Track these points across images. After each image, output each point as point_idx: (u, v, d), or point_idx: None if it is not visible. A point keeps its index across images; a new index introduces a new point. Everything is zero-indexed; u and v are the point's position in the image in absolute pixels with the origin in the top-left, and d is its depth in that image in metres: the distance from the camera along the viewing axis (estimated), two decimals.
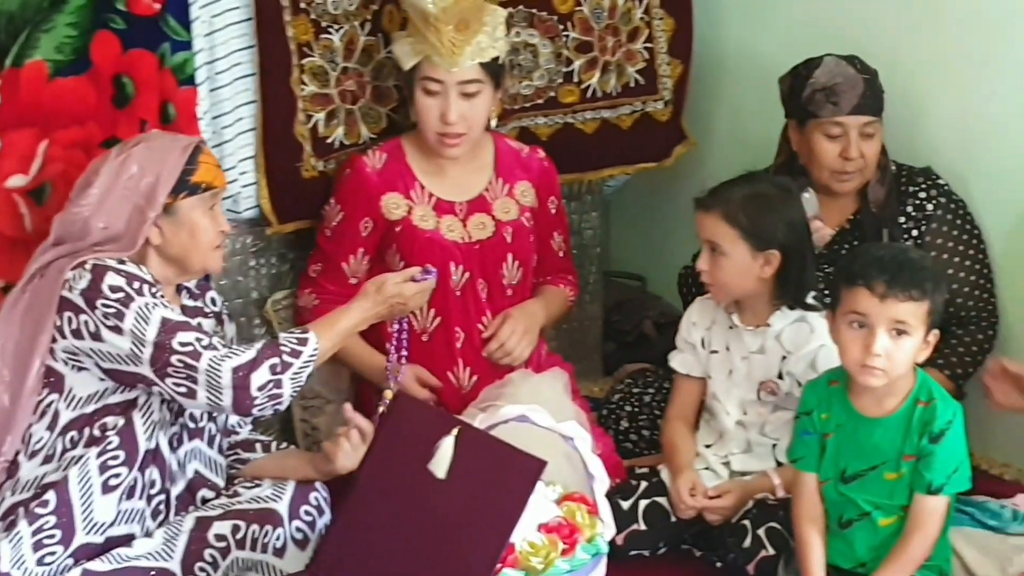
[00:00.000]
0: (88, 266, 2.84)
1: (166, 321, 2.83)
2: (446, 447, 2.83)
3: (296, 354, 2.89)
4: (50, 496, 2.83)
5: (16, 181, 3.22)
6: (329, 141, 3.68)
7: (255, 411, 2.89)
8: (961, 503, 3.00)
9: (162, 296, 2.89)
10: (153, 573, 2.90)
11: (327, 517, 3.13)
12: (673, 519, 3.27)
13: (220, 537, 3.00)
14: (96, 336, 2.82)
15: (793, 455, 3.01)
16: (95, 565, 2.89)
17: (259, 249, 3.74)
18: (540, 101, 3.95)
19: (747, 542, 3.12)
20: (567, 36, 3.95)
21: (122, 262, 2.87)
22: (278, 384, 2.86)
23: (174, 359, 2.81)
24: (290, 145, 3.61)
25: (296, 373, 2.88)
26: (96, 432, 2.90)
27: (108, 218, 2.91)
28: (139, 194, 2.90)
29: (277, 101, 3.57)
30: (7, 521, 2.87)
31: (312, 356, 2.92)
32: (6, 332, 2.91)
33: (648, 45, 4.10)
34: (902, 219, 3.58)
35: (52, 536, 2.83)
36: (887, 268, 2.80)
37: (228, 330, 3.22)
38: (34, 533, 2.83)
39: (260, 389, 2.84)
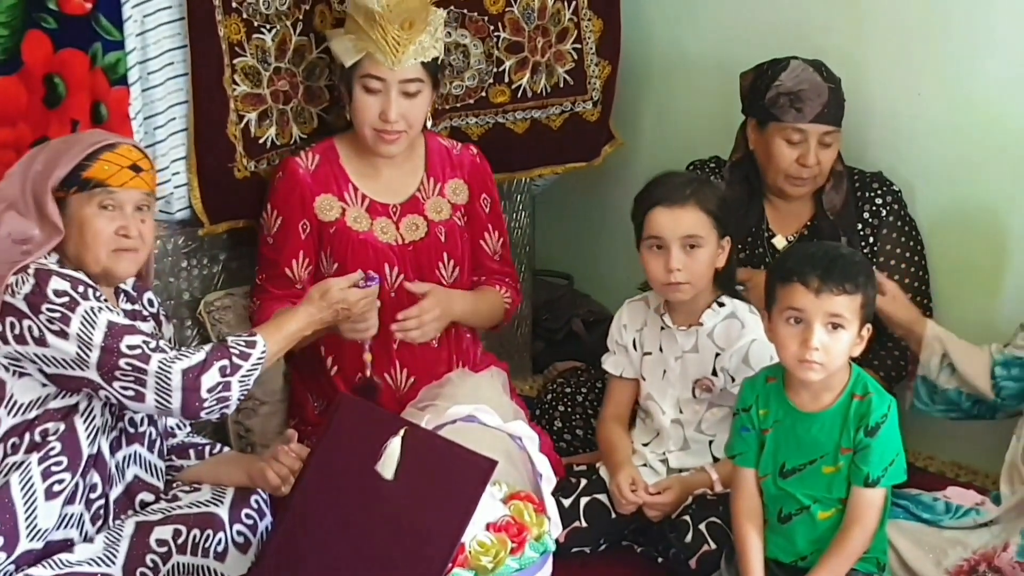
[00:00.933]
0: (31, 270, 2.82)
1: (112, 324, 2.82)
2: (393, 448, 2.83)
3: (245, 356, 2.90)
4: None
5: None
6: (261, 141, 3.67)
7: (203, 414, 2.88)
8: (896, 496, 3.04)
9: (105, 300, 2.88)
10: None
11: (268, 520, 3.13)
12: (613, 516, 3.30)
13: (161, 542, 2.99)
14: (40, 341, 2.80)
15: (732, 451, 3.04)
16: (37, 571, 2.87)
17: (191, 250, 3.71)
18: (471, 101, 3.97)
19: (688, 537, 3.15)
20: (498, 36, 3.97)
21: (62, 265, 2.86)
22: (227, 387, 2.86)
23: (122, 362, 2.80)
24: (222, 145, 3.60)
25: (245, 375, 2.89)
26: (37, 438, 2.87)
27: (18, 210, 2.92)
28: (39, 186, 2.90)
29: (209, 101, 3.55)
30: None
31: (260, 358, 2.93)
32: None
33: (577, 46, 4.12)
34: (859, 225, 3.63)
35: None
36: (820, 264, 2.84)
37: (166, 331, 3.20)
38: None
39: (210, 391, 2.84)
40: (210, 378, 2.84)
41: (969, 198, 3.67)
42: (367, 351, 3.46)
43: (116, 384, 2.83)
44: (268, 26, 3.61)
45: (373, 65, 3.44)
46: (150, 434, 3.10)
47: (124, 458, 3.05)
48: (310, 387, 3.72)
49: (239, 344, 2.92)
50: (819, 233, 3.63)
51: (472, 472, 2.75)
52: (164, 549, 2.99)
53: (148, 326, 3.09)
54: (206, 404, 2.86)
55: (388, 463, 2.84)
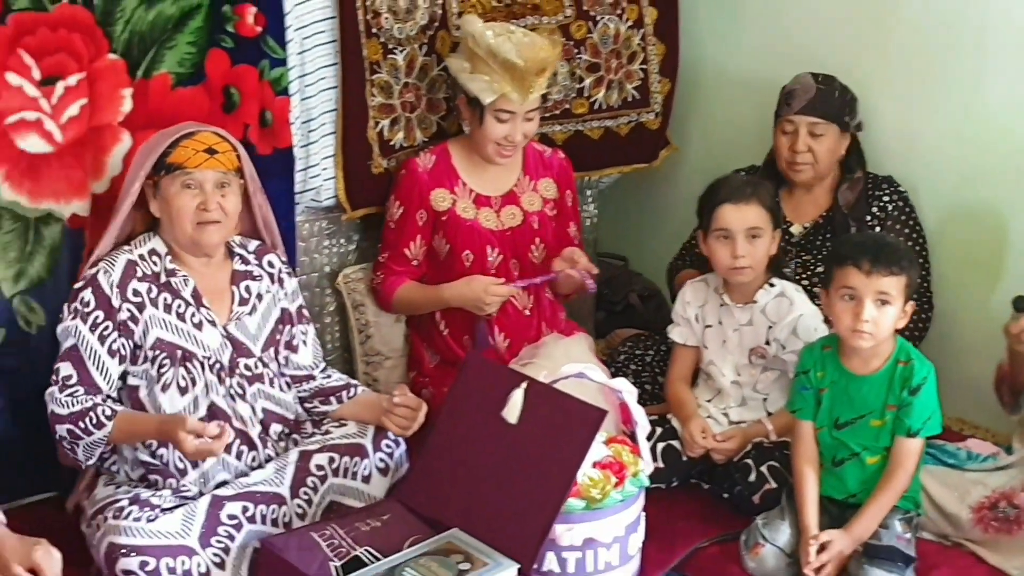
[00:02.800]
0: (92, 271, 2.93)
1: (73, 349, 2.89)
2: (517, 398, 2.88)
3: (90, 432, 2.86)
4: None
5: None
6: (392, 143, 3.68)
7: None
8: (928, 447, 3.04)
9: (108, 329, 2.90)
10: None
11: (403, 448, 3.15)
12: (684, 458, 3.29)
13: (319, 467, 3.02)
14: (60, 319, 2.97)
15: (793, 407, 3.04)
16: (222, 491, 2.91)
17: (332, 231, 3.74)
18: (557, 112, 3.97)
19: (752, 477, 3.15)
20: (580, 58, 3.97)
21: (107, 276, 2.91)
22: (73, 449, 2.90)
23: (53, 376, 2.91)
24: (362, 146, 3.62)
25: (86, 447, 2.89)
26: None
27: (126, 190, 2.97)
28: (131, 173, 2.97)
29: (353, 110, 3.57)
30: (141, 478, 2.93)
31: (101, 438, 2.87)
32: None
33: (643, 66, 4.12)
34: (868, 218, 3.60)
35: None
36: (870, 249, 2.86)
37: (289, 285, 3.17)
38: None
39: (60, 438, 2.88)
40: (62, 428, 2.87)
41: (974, 201, 3.63)
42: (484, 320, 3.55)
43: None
44: (400, 48, 3.62)
45: (506, 102, 3.45)
46: (266, 376, 3.09)
47: (251, 397, 3.05)
48: (426, 344, 3.74)
49: (93, 424, 2.85)
50: (833, 224, 3.62)
51: (586, 419, 2.79)
52: (321, 473, 3.02)
53: (257, 284, 3.10)
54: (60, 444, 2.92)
55: (512, 410, 2.88)
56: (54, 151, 3.07)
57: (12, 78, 2.96)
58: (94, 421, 2.84)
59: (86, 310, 2.89)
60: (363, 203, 3.68)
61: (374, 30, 3.54)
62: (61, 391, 2.87)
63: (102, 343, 2.89)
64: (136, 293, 2.92)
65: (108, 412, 2.85)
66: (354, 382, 3.26)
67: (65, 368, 2.89)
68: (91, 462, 2.94)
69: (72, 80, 3.05)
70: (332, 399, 3.22)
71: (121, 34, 3.11)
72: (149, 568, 2.74)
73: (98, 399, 2.88)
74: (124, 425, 2.86)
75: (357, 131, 3.59)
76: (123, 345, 2.92)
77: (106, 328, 2.89)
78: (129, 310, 2.91)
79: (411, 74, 3.66)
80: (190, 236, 2.94)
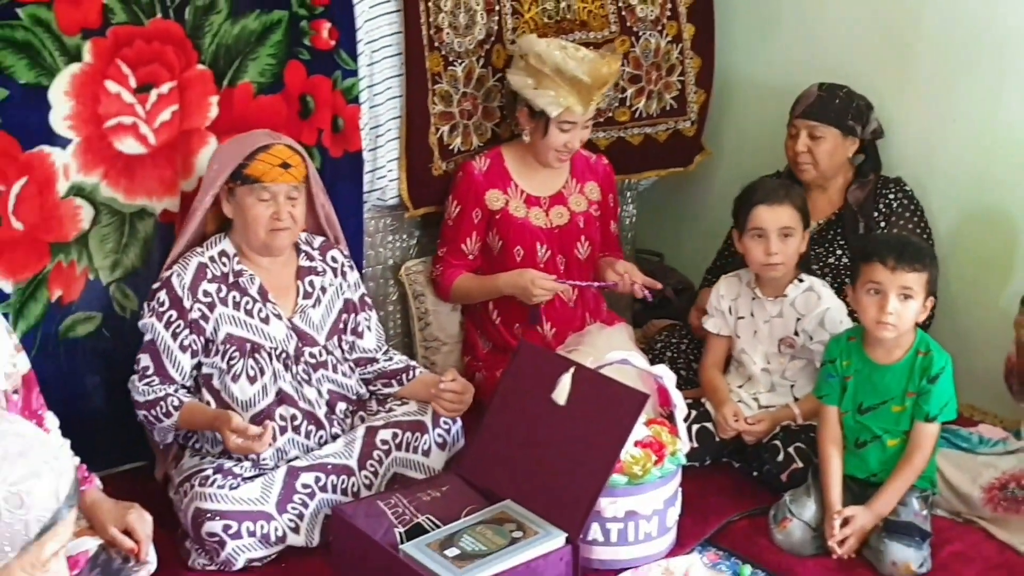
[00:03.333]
0: (167, 273, 3.00)
1: (151, 344, 2.98)
2: (565, 381, 2.91)
3: (160, 420, 2.98)
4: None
5: None
6: (451, 148, 3.72)
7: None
8: (942, 432, 3.04)
9: (180, 327, 2.98)
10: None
11: (459, 425, 3.20)
12: (717, 439, 3.31)
13: (384, 442, 3.08)
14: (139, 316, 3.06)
15: (819, 392, 3.06)
16: (297, 463, 2.98)
17: (395, 228, 3.78)
18: (601, 120, 3.97)
19: (780, 457, 3.16)
20: (624, 70, 3.98)
21: (180, 279, 2.99)
22: (150, 432, 3.06)
23: (135, 365, 3.02)
24: (424, 150, 3.66)
25: (159, 431, 3.02)
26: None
27: (202, 196, 3.02)
28: (207, 180, 3.00)
29: (416, 117, 3.61)
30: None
31: (169, 426, 3.00)
32: None
33: (681, 78, 4.14)
34: (875, 214, 3.60)
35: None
36: (895, 248, 2.88)
37: (351, 277, 3.21)
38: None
39: (140, 422, 3.02)
40: (140, 414, 3.00)
41: (988, 205, 3.63)
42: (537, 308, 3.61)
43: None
44: (459, 61, 3.66)
45: (569, 114, 3.48)
46: (331, 363, 3.14)
47: (316, 382, 3.10)
48: (479, 332, 3.79)
49: (163, 413, 2.97)
50: (843, 220, 3.61)
51: (630, 402, 2.81)
52: (386, 447, 3.09)
53: (320, 279, 3.14)
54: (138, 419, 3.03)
55: (561, 393, 2.91)
56: (148, 152, 3.12)
57: (111, 85, 3.02)
58: (164, 410, 2.95)
59: (161, 309, 2.97)
60: (424, 202, 3.72)
61: (436, 44, 3.58)
62: (140, 380, 2.98)
63: (175, 339, 2.97)
64: (206, 294, 2.99)
65: (176, 403, 2.95)
66: (413, 364, 3.31)
67: (144, 360, 2.99)
68: (167, 442, 3.04)
69: (164, 88, 3.11)
70: (393, 382, 3.28)
71: (209, 46, 3.16)
72: (231, 531, 2.82)
73: (170, 390, 2.97)
74: (187, 415, 2.96)
75: (419, 136, 3.64)
76: (194, 341, 2.99)
77: (179, 326, 2.97)
78: (200, 309, 2.98)
79: (469, 84, 3.69)
80: (263, 241, 3.01)
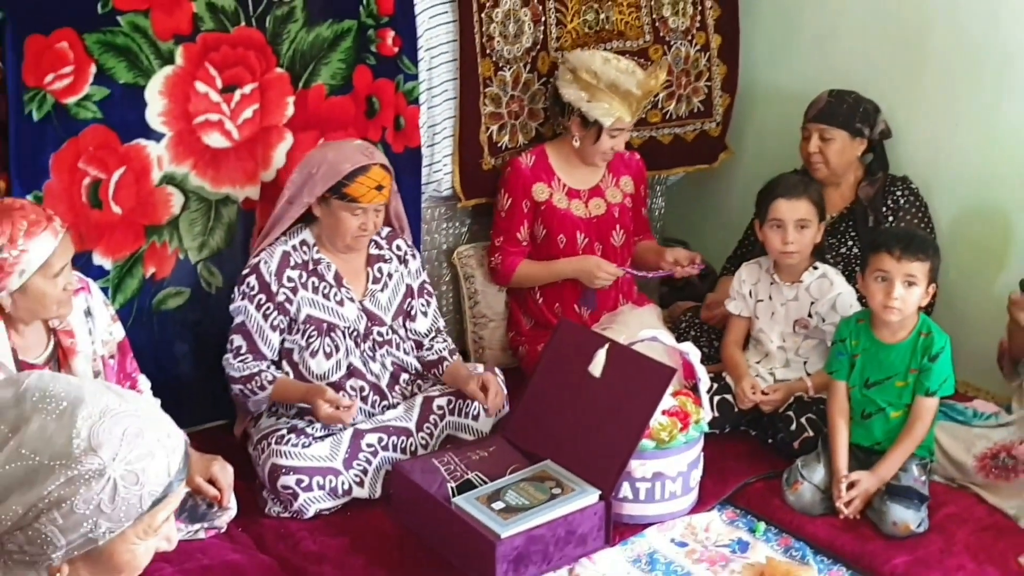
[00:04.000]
0: (254, 260, 3.04)
1: (243, 325, 3.04)
2: (600, 356, 2.96)
3: (255, 392, 3.04)
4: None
5: None
6: (499, 145, 3.76)
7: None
8: (940, 406, 3.06)
9: (270, 309, 3.04)
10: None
11: (505, 393, 3.24)
12: (736, 410, 3.32)
13: (439, 407, 3.15)
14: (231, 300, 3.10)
15: (829, 369, 3.09)
16: (362, 425, 3.05)
17: (449, 216, 3.84)
18: (635, 120, 3.96)
19: (793, 426, 3.19)
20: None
21: (266, 266, 3.03)
22: (244, 404, 3.10)
23: (228, 344, 3.07)
24: (475, 147, 3.70)
25: (252, 401, 3.06)
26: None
27: (291, 194, 3.04)
28: (307, 183, 3.01)
29: (469, 117, 3.65)
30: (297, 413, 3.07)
31: (263, 398, 3.04)
32: None
33: (708, 84, 4.16)
34: (884, 209, 3.61)
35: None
36: (901, 240, 2.92)
37: (413, 264, 3.25)
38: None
39: (234, 395, 3.08)
40: (235, 388, 3.06)
41: (986, 202, 3.64)
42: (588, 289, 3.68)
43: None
44: (508, 66, 3.70)
45: (620, 122, 3.54)
46: (395, 341, 3.20)
47: (380, 359, 3.17)
48: (523, 309, 3.82)
49: (258, 387, 3.03)
50: (855, 214, 3.59)
51: (659, 375, 2.87)
52: (440, 412, 3.16)
53: (387, 266, 3.18)
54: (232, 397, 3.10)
55: (596, 366, 2.96)
56: (231, 146, 3.19)
57: (200, 86, 3.09)
58: (259, 384, 3.02)
59: (251, 293, 3.03)
60: (475, 194, 3.77)
61: (488, 51, 3.63)
62: (234, 358, 3.04)
63: (265, 319, 3.04)
64: (290, 279, 3.05)
65: (269, 378, 3.02)
66: (445, 357, 3.29)
67: (237, 340, 3.05)
68: (259, 412, 3.11)
69: (247, 89, 3.17)
70: (429, 374, 3.31)
71: (286, 52, 3.22)
72: (303, 485, 2.90)
73: (263, 366, 3.04)
74: (280, 389, 3.03)
75: (471, 134, 3.68)
76: (281, 320, 3.06)
77: (268, 308, 3.04)
78: (284, 293, 3.04)
79: (516, 88, 3.74)
80: (347, 245, 3.07)
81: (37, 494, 1.32)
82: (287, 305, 3.05)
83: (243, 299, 3.04)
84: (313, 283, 3.08)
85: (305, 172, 3.01)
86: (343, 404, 2.91)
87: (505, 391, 3.23)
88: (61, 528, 1.33)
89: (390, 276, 3.21)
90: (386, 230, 3.25)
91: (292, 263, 3.07)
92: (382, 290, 3.18)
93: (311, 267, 3.08)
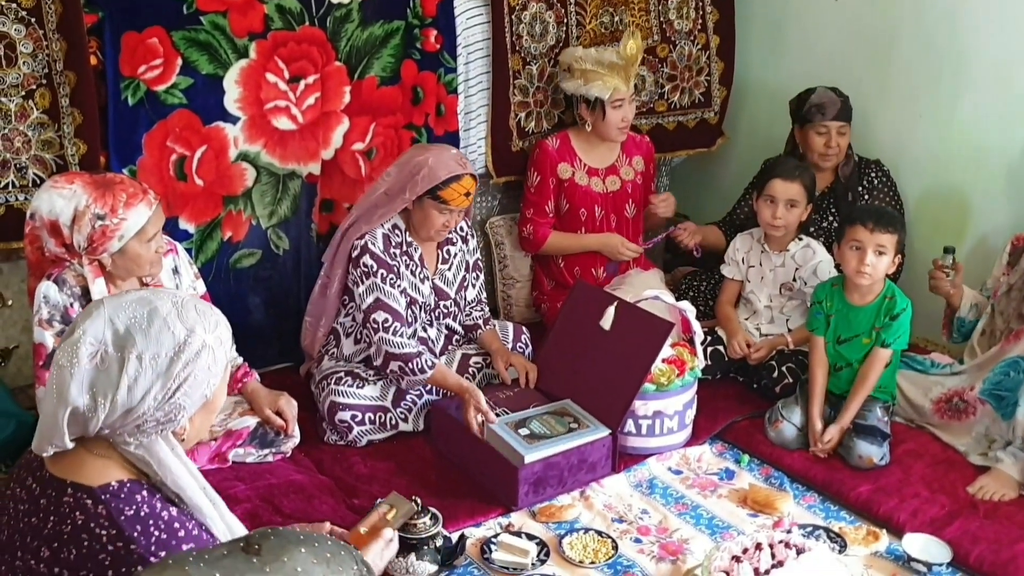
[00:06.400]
0: (361, 241, 2.91)
1: (378, 300, 2.90)
2: (610, 312, 2.96)
3: (415, 373, 2.90)
4: None
5: (358, 146, 3.33)
6: (526, 129, 3.74)
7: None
8: (902, 357, 3.09)
9: (393, 278, 2.92)
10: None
11: (530, 349, 3.26)
12: (726, 359, 3.33)
13: (476, 362, 3.15)
14: (354, 286, 2.96)
15: (810, 327, 3.07)
16: (408, 379, 2.97)
17: (482, 192, 3.81)
18: (644, 110, 4.00)
19: (775, 374, 3.20)
20: (663, 71, 4.01)
21: (375, 245, 2.90)
22: (399, 375, 2.92)
23: (369, 326, 2.92)
24: (505, 131, 3.69)
25: (408, 380, 2.92)
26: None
27: (387, 187, 2.94)
28: (409, 183, 2.90)
29: (500, 105, 3.64)
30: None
31: (419, 381, 2.91)
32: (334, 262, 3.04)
33: (708, 78, 4.13)
34: (860, 189, 3.59)
35: None
36: (873, 215, 2.91)
37: (471, 243, 3.19)
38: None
39: (391, 371, 2.91)
40: (394, 364, 2.90)
41: (945, 183, 3.62)
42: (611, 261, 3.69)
43: (364, 331, 2.98)
44: (534, 61, 3.68)
45: (618, 92, 3.50)
46: (454, 312, 3.17)
47: (439, 326, 3.16)
48: (546, 272, 3.81)
49: (418, 368, 2.90)
50: (835, 193, 3.57)
51: (659, 329, 2.87)
52: (478, 365, 3.16)
53: (454, 246, 3.12)
54: (387, 373, 2.94)
55: (607, 320, 2.97)
56: (297, 129, 3.20)
57: (270, 76, 3.11)
58: (419, 366, 2.89)
59: (372, 270, 2.91)
60: (505, 172, 3.74)
61: (517, 48, 3.62)
62: (387, 333, 2.89)
63: (393, 287, 2.93)
64: (393, 256, 2.98)
65: (430, 363, 2.90)
66: (480, 324, 3.24)
67: (380, 316, 2.89)
68: (412, 389, 2.98)
69: (310, 79, 3.18)
70: (473, 334, 3.28)
71: (344, 47, 3.22)
72: (357, 420, 2.93)
73: (421, 348, 2.92)
74: (438, 376, 2.92)
75: (502, 120, 3.67)
76: (399, 285, 2.98)
77: (390, 279, 2.94)
78: (394, 267, 2.97)
79: (541, 80, 3.72)
80: (429, 236, 3.00)
81: (169, 377, 1.44)
82: (398, 278, 2.99)
83: (367, 278, 2.91)
84: (405, 262, 3.02)
85: (407, 172, 2.91)
86: (490, 417, 2.82)
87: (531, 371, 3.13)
88: (189, 396, 1.47)
89: (456, 256, 3.17)
90: None
91: (392, 243, 2.98)
92: (449, 269, 3.15)
93: (404, 248, 3.01)
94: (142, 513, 1.42)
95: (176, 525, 1.44)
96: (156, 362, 1.43)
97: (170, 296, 1.50)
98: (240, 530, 1.61)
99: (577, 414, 2.87)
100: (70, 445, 1.44)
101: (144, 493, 1.45)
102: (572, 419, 2.85)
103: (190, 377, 1.46)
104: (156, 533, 1.41)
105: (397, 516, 2.05)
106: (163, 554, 1.39)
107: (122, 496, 1.43)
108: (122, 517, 1.40)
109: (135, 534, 1.39)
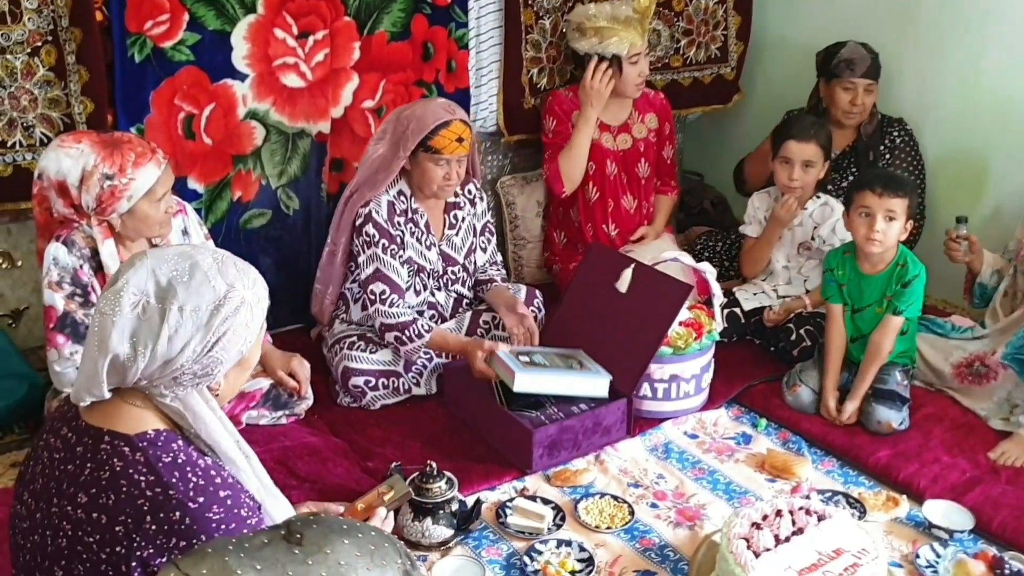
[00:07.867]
0: (365, 209, 2.92)
1: (377, 271, 2.91)
2: (627, 274, 2.96)
3: (411, 340, 2.92)
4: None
5: (368, 103, 3.32)
6: (539, 86, 3.73)
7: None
8: (922, 320, 3.06)
9: (395, 249, 2.92)
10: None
11: (543, 313, 3.23)
12: (743, 321, 3.33)
13: (485, 322, 3.15)
14: (356, 255, 2.98)
15: (824, 295, 3.04)
16: (409, 345, 2.97)
17: (494, 150, 3.82)
18: (659, 65, 3.97)
19: (793, 337, 3.20)
20: (679, 25, 3.97)
21: (379, 214, 2.90)
22: (396, 349, 2.95)
23: (367, 296, 2.94)
24: (517, 88, 3.67)
25: (407, 349, 2.94)
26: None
27: (384, 148, 2.93)
28: (401, 140, 2.89)
29: (512, 61, 3.62)
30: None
31: (418, 346, 2.93)
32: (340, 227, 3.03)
33: (724, 32, 4.10)
34: (881, 148, 3.57)
35: None
36: (882, 179, 2.87)
37: (480, 206, 3.17)
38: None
39: (388, 342, 2.95)
40: (390, 335, 2.93)
41: (966, 141, 3.60)
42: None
43: (365, 298, 2.97)
44: (547, 16, 3.66)
45: (633, 48, 3.47)
46: (463, 278, 3.17)
47: (449, 291, 3.15)
48: (556, 228, 3.81)
49: (414, 335, 2.91)
50: (856, 151, 3.56)
51: (677, 291, 2.87)
52: (487, 325, 3.14)
53: (461, 212, 3.11)
54: (387, 343, 2.97)
55: (623, 283, 2.97)
56: (306, 86, 3.18)
57: (278, 32, 3.08)
58: (416, 332, 2.91)
59: (374, 239, 2.92)
60: (517, 130, 3.74)
61: (529, 2, 3.58)
62: (383, 305, 2.91)
63: (394, 258, 2.94)
64: (397, 225, 2.97)
65: (426, 327, 2.92)
66: (494, 278, 3.23)
67: (377, 287, 2.91)
68: (412, 359, 2.98)
69: (319, 35, 3.15)
70: (477, 290, 3.28)
71: (353, 2, 3.19)
72: (371, 384, 2.95)
73: (413, 314, 2.93)
74: (437, 339, 2.93)
75: (514, 77, 3.65)
76: (402, 255, 2.97)
77: (393, 250, 2.94)
78: (398, 236, 2.97)
79: (554, 35, 3.69)
80: (434, 192, 2.99)
81: (209, 331, 1.46)
82: (401, 248, 2.99)
83: (369, 248, 2.92)
84: (411, 229, 3.01)
85: (398, 131, 2.90)
86: (497, 348, 2.84)
87: (536, 329, 3.13)
88: (226, 350, 1.49)
89: (463, 220, 3.16)
90: None
91: (397, 211, 2.97)
92: (457, 234, 3.14)
93: (409, 215, 3.00)
94: (179, 460, 1.45)
95: (212, 472, 1.47)
96: (197, 315, 1.45)
97: (211, 252, 1.53)
98: (271, 485, 1.64)
99: (584, 360, 2.88)
100: (108, 395, 1.47)
101: (180, 442, 1.49)
102: (577, 363, 2.86)
103: (228, 332, 1.48)
104: (194, 479, 1.43)
105: (393, 498, 2.15)
106: (201, 500, 1.42)
107: (159, 444, 1.46)
108: (160, 464, 1.43)
109: (173, 479, 1.42)
